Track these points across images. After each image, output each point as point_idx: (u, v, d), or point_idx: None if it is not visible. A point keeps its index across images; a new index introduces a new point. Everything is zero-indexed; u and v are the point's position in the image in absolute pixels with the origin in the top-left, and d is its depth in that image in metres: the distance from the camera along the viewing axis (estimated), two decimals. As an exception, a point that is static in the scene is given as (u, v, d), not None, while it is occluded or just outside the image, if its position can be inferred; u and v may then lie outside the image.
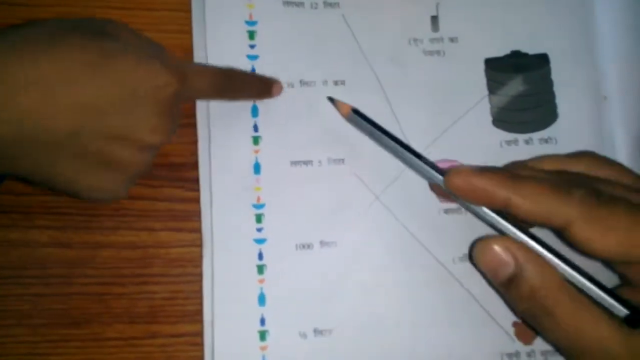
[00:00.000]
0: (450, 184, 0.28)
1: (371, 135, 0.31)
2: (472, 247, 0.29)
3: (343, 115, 0.31)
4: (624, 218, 0.26)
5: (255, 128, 0.33)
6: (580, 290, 0.26)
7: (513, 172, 0.28)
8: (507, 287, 0.27)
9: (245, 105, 0.33)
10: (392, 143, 0.30)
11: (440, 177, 0.29)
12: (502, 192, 0.27)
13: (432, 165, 0.29)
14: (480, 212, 0.28)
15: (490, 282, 0.29)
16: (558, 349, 0.28)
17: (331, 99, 0.32)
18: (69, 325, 0.31)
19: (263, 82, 0.32)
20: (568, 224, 0.26)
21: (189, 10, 0.33)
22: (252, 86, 0.32)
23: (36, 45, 0.24)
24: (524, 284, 0.26)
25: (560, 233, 0.27)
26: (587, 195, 0.26)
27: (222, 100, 0.32)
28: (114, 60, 0.25)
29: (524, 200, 0.26)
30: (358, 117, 0.31)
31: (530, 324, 0.28)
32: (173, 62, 0.28)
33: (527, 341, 0.32)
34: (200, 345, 0.31)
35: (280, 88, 0.33)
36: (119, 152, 0.27)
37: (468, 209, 0.29)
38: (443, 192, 0.29)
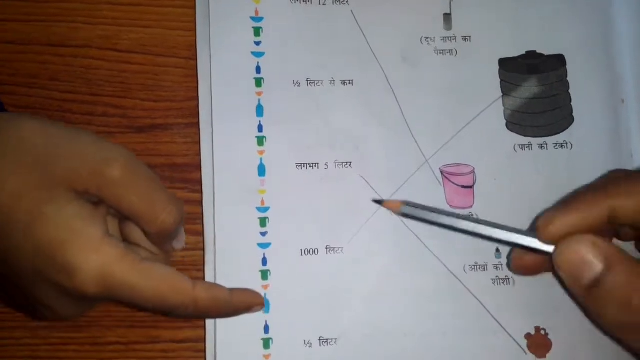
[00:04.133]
0: (545, 234, 0.24)
1: (433, 223, 0.27)
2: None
3: (396, 213, 0.28)
4: None
5: (260, 128, 0.32)
6: None
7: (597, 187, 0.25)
8: (591, 291, 0.23)
9: (250, 104, 0.32)
10: (459, 221, 0.27)
11: (527, 238, 0.25)
12: (601, 206, 0.24)
13: (514, 230, 0.26)
14: None
15: (568, 289, 0.25)
16: None
17: (378, 202, 0.29)
18: (68, 328, 0.30)
19: (235, 307, 0.27)
20: None
21: (194, 7, 0.32)
22: (215, 311, 0.26)
23: None
24: (615, 287, 0.22)
25: None
26: None
27: None
28: (39, 232, 0.21)
29: (629, 200, 0.23)
30: (413, 209, 0.27)
31: (617, 334, 0.24)
32: (111, 272, 0.22)
33: (540, 354, 0.31)
34: (202, 351, 0.30)
35: (260, 308, 0.29)
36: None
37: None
38: (526, 260, 0.27)
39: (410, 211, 0.27)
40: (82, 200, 0.23)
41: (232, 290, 0.27)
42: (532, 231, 0.26)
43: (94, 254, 0.22)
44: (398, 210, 0.27)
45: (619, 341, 0.26)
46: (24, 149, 0.22)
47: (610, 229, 0.27)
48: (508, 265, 0.31)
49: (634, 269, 0.23)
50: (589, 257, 0.23)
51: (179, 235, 0.29)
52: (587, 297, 0.23)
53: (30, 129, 0.22)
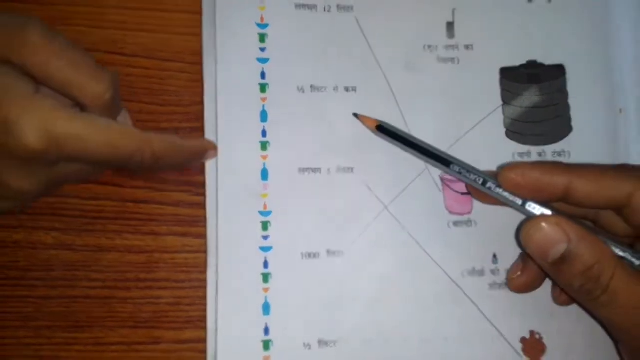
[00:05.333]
0: (505, 180, 0.28)
1: (402, 147, 0.31)
2: (519, 229, 0.28)
3: (371, 129, 0.32)
4: None
5: (264, 133, 0.32)
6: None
7: (563, 163, 0.28)
8: (559, 265, 0.26)
9: (254, 109, 0.32)
10: (424, 156, 0.31)
11: (484, 179, 0.29)
12: (561, 179, 0.27)
13: (472, 169, 0.30)
14: (527, 207, 0.28)
15: (538, 263, 0.28)
16: (611, 325, 0.27)
17: (356, 115, 0.32)
18: (72, 328, 0.31)
19: (190, 151, 0.27)
20: (630, 197, 0.26)
21: (200, 13, 0.33)
22: (172, 159, 0.26)
23: None
24: (578, 261, 0.25)
25: (621, 212, 0.27)
26: None
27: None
28: None
29: (586, 182, 0.27)
30: (384, 134, 0.31)
31: (581, 302, 0.28)
32: (52, 122, 0.21)
33: (535, 358, 0.31)
34: (203, 352, 0.30)
35: (214, 154, 0.29)
36: None
37: (513, 205, 0.29)
38: (482, 194, 0.30)
39: (383, 131, 0.31)
40: (7, 65, 0.22)
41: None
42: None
43: (30, 106, 0.21)
44: (373, 126, 0.31)
45: (585, 308, 0.29)
46: None
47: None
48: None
49: (593, 244, 0.25)
50: (554, 237, 0.26)
51: (121, 114, 0.27)
52: (554, 270, 0.26)
53: None
